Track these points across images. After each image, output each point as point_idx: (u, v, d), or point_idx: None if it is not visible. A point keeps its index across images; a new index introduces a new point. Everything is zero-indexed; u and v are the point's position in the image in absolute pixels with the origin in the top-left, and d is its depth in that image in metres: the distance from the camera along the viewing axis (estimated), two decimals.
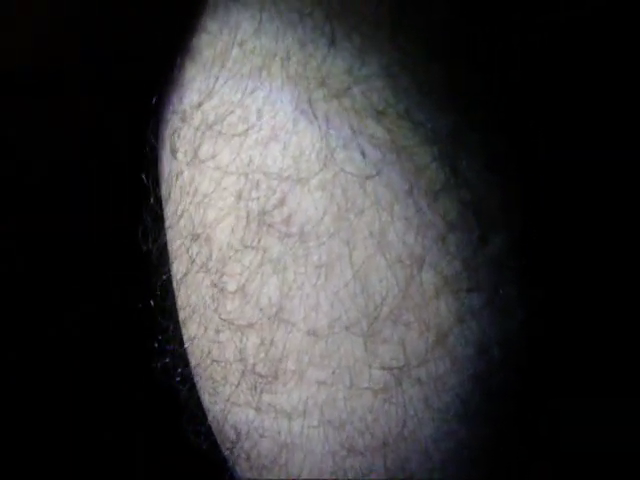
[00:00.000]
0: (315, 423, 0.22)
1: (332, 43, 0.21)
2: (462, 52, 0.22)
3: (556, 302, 0.24)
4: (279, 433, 0.23)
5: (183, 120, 0.24)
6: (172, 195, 0.25)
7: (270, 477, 0.23)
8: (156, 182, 0.27)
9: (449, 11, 0.22)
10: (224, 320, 0.23)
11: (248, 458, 0.24)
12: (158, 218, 0.27)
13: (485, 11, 0.23)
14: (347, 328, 0.22)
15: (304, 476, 0.23)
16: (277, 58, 0.22)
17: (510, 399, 0.23)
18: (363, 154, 0.21)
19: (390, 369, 0.22)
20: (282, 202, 0.22)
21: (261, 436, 0.23)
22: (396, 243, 0.21)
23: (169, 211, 0.26)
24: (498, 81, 0.23)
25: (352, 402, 0.22)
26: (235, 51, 0.23)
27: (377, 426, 0.22)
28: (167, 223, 0.26)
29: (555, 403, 0.23)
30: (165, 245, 0.26)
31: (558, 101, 0.25)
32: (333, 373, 0.22)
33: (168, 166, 0.25)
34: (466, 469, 0.22)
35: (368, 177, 0.21)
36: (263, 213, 0.22)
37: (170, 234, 0.25)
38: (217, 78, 0.23)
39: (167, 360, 0.27)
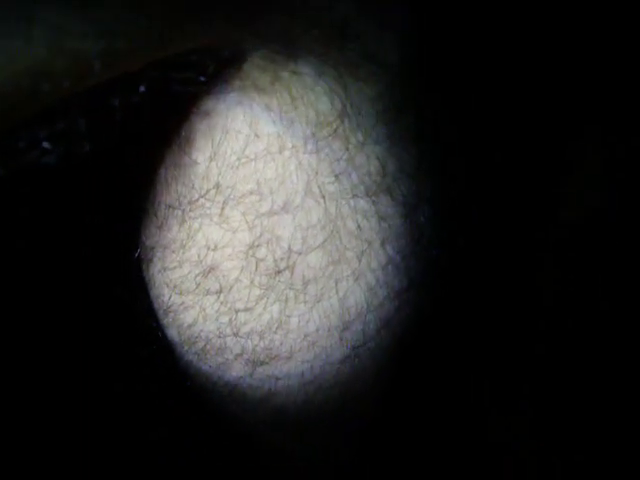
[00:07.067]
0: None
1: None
2: None
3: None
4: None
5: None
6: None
7: None
8: None
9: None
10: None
11: None
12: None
13: None
14: (329, 329, 0.30)
15: None
16: (290, 145, 0.25)
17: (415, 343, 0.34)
18: (359, 226, 0.27)
19: (353, 348, 0.31)
20: (289, 256, 0.27)
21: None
22: (370, 281, 0.29)
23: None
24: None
25: (326, 365, 0.32)
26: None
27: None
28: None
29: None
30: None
31: None
32: (315, 357, 0.31)
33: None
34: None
35: (357, 238, 0.28)
36: (273, 261, 0.27)
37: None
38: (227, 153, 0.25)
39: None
